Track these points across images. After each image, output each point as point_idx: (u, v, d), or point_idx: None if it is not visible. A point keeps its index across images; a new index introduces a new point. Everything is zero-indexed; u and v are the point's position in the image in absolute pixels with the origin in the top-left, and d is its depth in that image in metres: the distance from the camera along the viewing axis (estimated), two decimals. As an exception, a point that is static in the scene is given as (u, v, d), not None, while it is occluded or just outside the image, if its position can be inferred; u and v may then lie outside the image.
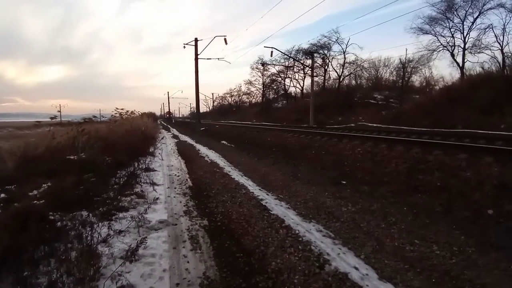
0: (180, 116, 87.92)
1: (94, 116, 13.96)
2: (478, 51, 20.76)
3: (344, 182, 5.57)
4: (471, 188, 4.25)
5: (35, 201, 3.93)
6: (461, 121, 12.68)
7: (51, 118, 8.58)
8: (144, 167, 6.98)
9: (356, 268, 2.61)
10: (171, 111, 67.08)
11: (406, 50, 27.64)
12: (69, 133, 7.44)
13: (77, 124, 8.93)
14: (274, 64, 33.79)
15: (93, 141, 7.75)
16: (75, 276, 2.34)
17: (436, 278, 2.49)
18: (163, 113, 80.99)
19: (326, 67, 30.69)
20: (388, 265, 2.68)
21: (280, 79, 37.63)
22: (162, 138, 15.60)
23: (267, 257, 2.88)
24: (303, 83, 35.08)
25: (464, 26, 20.95)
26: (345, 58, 28.92)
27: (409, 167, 5.44)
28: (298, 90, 36.41)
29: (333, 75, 31.16)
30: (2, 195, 4.39)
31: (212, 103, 67.62)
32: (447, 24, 21.53)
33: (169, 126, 35.68)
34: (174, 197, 4.97)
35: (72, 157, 6.40)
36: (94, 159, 6.32)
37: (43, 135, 7.92)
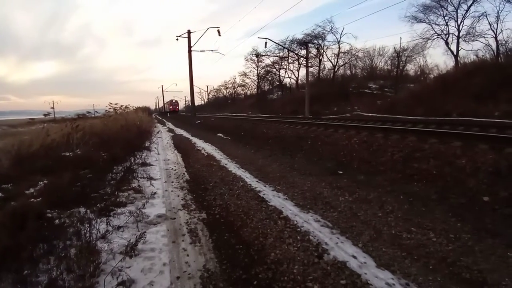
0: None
1: (88, 112, 13.88)
2: (472, 39, 20.76)
3: (340, 172, 5.60)
4: (466, 176, 4.29)
5: (32, 199, 3.88)
6: (456, 109, 12.75)
7: (45, 115, 8.48)
8: (140, 162, 6.94)
9: (354, 257, 2.64)
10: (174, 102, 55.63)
11: (401, 39, 27.59)
12: (64, 130, 7.36)
13: (71, 120, 8.82)
14: (269, 55, 33.38)
15: (88, 137, 7.68)
16: (75, 273, 2.34)
17: (433, 265, 2.53)
18: (157, 107, 78.33)
19: (320, 57, 30.53)
20: (385, 253, 2.72)
21: (275, 70, 37.32)
22: (158, 132, 15.49)
23: (266, 248, 2.91)
24: (298, 74, 34.78)
25: (458, 14, 20.88)
26: (339, 47, 28.85)
27: (405, 156, 5.48)
28: (293, 81, 36.21)
29: (328, 65, 31.10)
30: (-1, 194, 4.35)
31: (207, 96, 66.78)
32: (441, 12, 21.47)
33: (164, 120, 35.42)
34: (172, 191, 4.97)
35: (67, 154, 6.34)
36: (89, 155, 6.26)
37: (37, 132, 7.81)
